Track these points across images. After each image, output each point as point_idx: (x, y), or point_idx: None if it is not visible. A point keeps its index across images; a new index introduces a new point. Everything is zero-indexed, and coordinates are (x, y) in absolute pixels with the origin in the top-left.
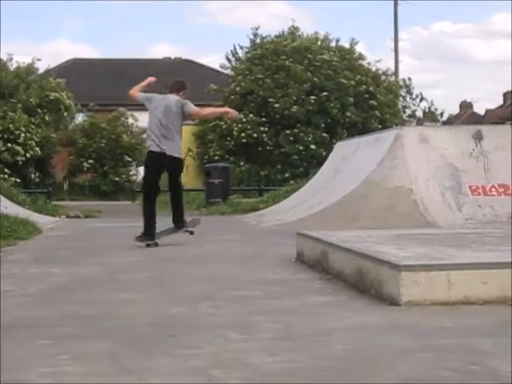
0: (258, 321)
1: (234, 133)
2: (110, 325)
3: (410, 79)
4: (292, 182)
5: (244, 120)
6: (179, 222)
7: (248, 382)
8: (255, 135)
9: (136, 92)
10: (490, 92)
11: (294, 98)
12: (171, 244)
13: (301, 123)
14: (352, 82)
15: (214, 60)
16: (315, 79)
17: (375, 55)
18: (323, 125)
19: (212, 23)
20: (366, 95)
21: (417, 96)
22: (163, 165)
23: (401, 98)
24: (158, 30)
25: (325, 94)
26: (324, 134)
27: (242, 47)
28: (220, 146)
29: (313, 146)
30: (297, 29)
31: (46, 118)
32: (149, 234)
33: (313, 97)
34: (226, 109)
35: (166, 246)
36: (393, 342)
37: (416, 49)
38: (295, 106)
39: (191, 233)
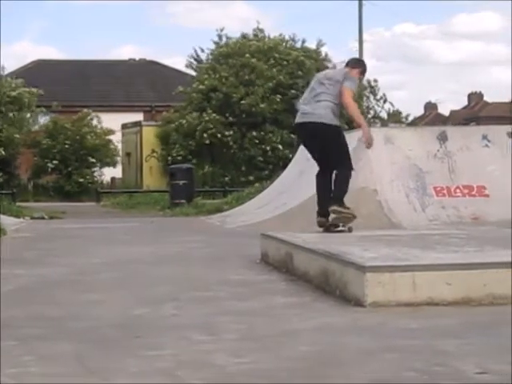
0: (222, 322)
1: (197, 133)
2: (74, 326)
3: (376, 81)
4: (257, 184)
5: (207, 118)
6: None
7: (213, 383)
8: (219, 135)
9: None
10: (454, 93)
11: (260, 96)
12: (135, 244)
13: (268, 122)
14: None
15: (178, 61)
16: (281, 77)
17: (339, 56)
18: (291, 124)
19: (175, 25)
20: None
21: (381, 98)
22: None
23: (365, 99)
24: (121, 31)
25: (293, 91)
26: (292, 135)
27: (203, 50)
28: (183, 146)
29: (280, 147)
30: (261, 30)
31: (10, 116)
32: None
33: (279, 96)
34: (365, 130)
35: (130, 246)
36: (357, 343)
37: (379, 50)
38: (262, 104)
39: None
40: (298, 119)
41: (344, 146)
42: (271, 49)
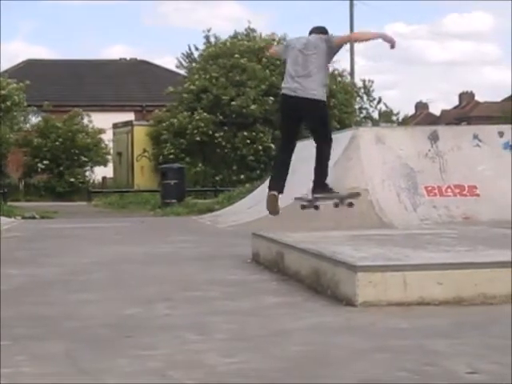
0: (214, 322)
1: (188, 131)
2: (67, 326)
3: (371, 81)
4: (248, 185)
5: (197, 117)
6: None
7: (204, 383)
8: (210, 133)
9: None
10: (445, 93)
11: (252, 98)
12: (127, 244)
13: (259, 123)
14: None
15: (169, 61)
16: (273, 78)
17: None
18: None
19: (166, 25)
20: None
21: (374, 98)
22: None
23: (358, 99)
24: (112, 31)
25: None
26: None
27: (197, 48)
28: (174, 145)
29: (272, 146)
30: (253, 30)
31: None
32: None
33: (271, 97)
34: (383, 34)
35: (121, 246)
36: (348, 343)
37: (370, 50)
38: (253, 106)
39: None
40: (288, 92)
41: (329, 120)
42: (262, 49)
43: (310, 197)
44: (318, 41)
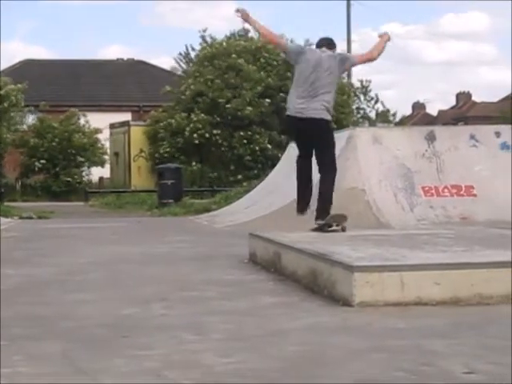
0: (211, 322)
1: (186, 133)
2: (63, 326)
3: (369, 81)
4: (245, 184)
5: (195, 119)
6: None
7: (201, 383)
8: (207, 135)
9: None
10: (442, 93)
11: (248, 100)
12: (124, 244)
13: (255, 124)
14: None
15: (166, 61)
16: (269, 80)
17: None
18: (279, 126)
19: (163, 25)
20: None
21: (372, 98)
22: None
23: (356, 99)
24: (109, 31)
25: (282, 95)
26: (283, 136)
27: (194, 48)
28: (170, 143)
29: (269, 146)
30: (248, 30)
31: None
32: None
33: (268, 100)
34: (384, 38)
35: (118, 246)
36: (345, 343)
37: (366, 50)
38: (249, 108)
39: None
40: (294, 113)
41: (333, 144)
42: (259, 49)
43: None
44: (332, 60)
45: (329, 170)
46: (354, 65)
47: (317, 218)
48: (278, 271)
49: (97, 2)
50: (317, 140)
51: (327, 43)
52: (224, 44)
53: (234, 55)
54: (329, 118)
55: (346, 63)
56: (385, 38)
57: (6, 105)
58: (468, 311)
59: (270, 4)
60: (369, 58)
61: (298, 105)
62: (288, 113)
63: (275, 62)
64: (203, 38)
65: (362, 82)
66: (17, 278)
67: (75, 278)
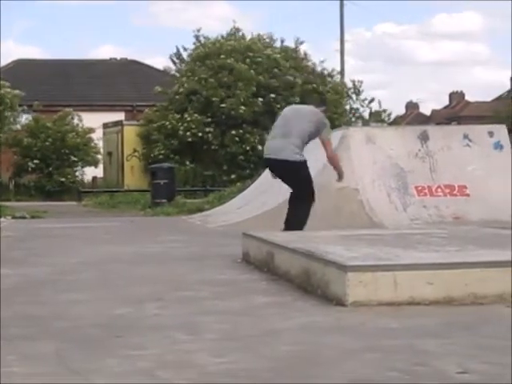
0: (204, 321)
1: (180, 132)
2: (57, 325)
3: (361, 82)
4: (239, 184)
5: (189, 119)
6: None
7: (194, 383)
8: (200, 134)
9: None
10: (435, 92)
11: (242, 100)
12: (117, 244)
13: (247, 124)
14: (298, 81)
15: (159, 62)
16: (260, 78)
17: (319, 56)
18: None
19: (156, 25)
20: (315, 95)
21: (366, 98)
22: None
23: (349, 100)
24: (102, 31)
25: (272, 95)
26: None
27: (185, 49)
28: (165, 145)
29: (260, 147)
30: (238, 30)
31: None
32: None
33: (260, 99)
34: (340, 172)
35: (111, 246)
36: (339, 343)
37: (359, 50)
38: (243, 107)
39: None
40: (267, 155)
41: (306, 179)
42: (247, 47)
43: None
44: (310, 113)
45: (302, 202)
46: (322, 139)
47: None
48: (271, 271)
49: (90, 2)
50: (289, 179)
51: (317, 102)
52: (217, 44)
53: (223, 55)
54: (298, 158)
55: (319, 124)
56: (340, 173)
57: (1, 108)
58: (461, 311)
59: (264, 4)
60: (326, 153)
61: (270, 145)
62: (264, 155)
63: (259, 59)
64: (197, 37)
65: (354, 82)
66: (11, 278)
67: (69, 277)
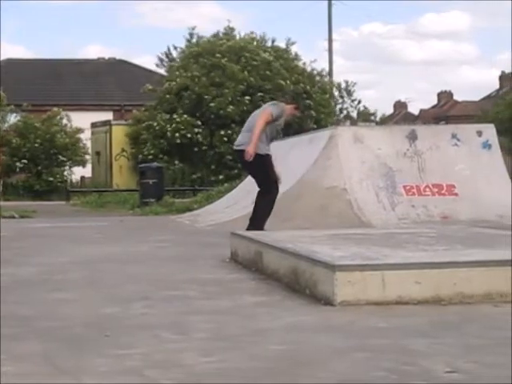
0: (192, 321)
1: (168, 133)
2: (45, 325)
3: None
4: (226, 184)
5: (178, 120)
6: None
7: (182, 383)
8: (189, 135)
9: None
10: (423, 92)
11: (230, 99)
12: (105, 243)
13: (236, 123)
14: (288, 82)
15: (147, 61)
16: (251, 79)
17: (308, 56)
18: None
19: (144, 25)
20: (304, 95)
21: (356, 99)
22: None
23: (340, 101)
24: (90, 31)
25: (260, 94)
26: None
27: (176, 48)
28: (154, 145)
29: None
30: (232, 29)
31: None
32: None
33: (247, 97)
34: (253, 145)
35: (100, 245)
36: (327, 342)
37: (347, 50)
38: (231, 107)
39: None
40: (234, 147)
41: (264, 171)
42: (242, 48)
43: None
44: (265, 105)
45: (262, 193)
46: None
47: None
48: (259, 270)
49: (78, 1)
50: (249, 169)
51: (288, 97)
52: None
53: (218, 54)
54: (258, 150)
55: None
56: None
57: None
58: (449, 310)
59: (252, 4)
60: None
61: (237, 140)
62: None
63: (254, 62)
64: (191, 35)
65: (347, 82)
66: (2, 277)
67: (57, 277)
